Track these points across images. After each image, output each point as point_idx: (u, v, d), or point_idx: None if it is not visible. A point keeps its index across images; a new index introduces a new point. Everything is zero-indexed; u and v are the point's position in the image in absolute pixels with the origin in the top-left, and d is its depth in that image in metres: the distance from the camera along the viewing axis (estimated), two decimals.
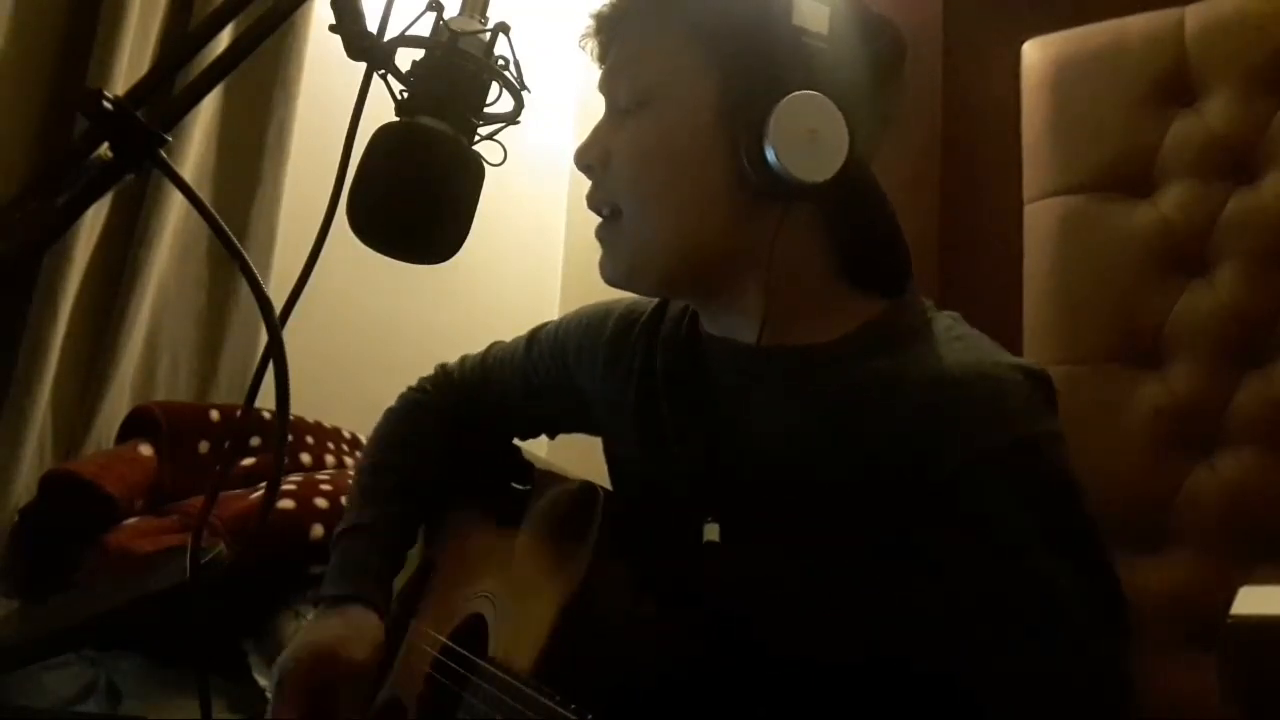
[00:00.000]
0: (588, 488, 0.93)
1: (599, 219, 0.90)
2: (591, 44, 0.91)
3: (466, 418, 1.13)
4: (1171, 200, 1.41)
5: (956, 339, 0.81)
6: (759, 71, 0.79)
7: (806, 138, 0.77)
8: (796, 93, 0.77)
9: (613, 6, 0.90)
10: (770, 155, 0.77)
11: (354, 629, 0.96)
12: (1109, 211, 1.45)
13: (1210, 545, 1.31)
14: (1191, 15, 1.44)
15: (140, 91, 0.60)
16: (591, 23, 0.90)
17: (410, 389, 1.16)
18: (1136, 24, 1.48)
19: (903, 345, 0.81)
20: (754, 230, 0.82)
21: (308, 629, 0.98)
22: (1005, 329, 1.44)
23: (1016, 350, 1.44)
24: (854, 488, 0.78)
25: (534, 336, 1.10)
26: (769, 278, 0.82)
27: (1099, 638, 0.73)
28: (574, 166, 0.90)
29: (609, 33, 0.89)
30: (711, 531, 0.83)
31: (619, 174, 0.86)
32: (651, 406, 0.93)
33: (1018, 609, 0.73)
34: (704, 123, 0.82)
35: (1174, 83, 1.43)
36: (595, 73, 0.92)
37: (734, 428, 0.87)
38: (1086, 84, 1.50)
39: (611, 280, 0.89)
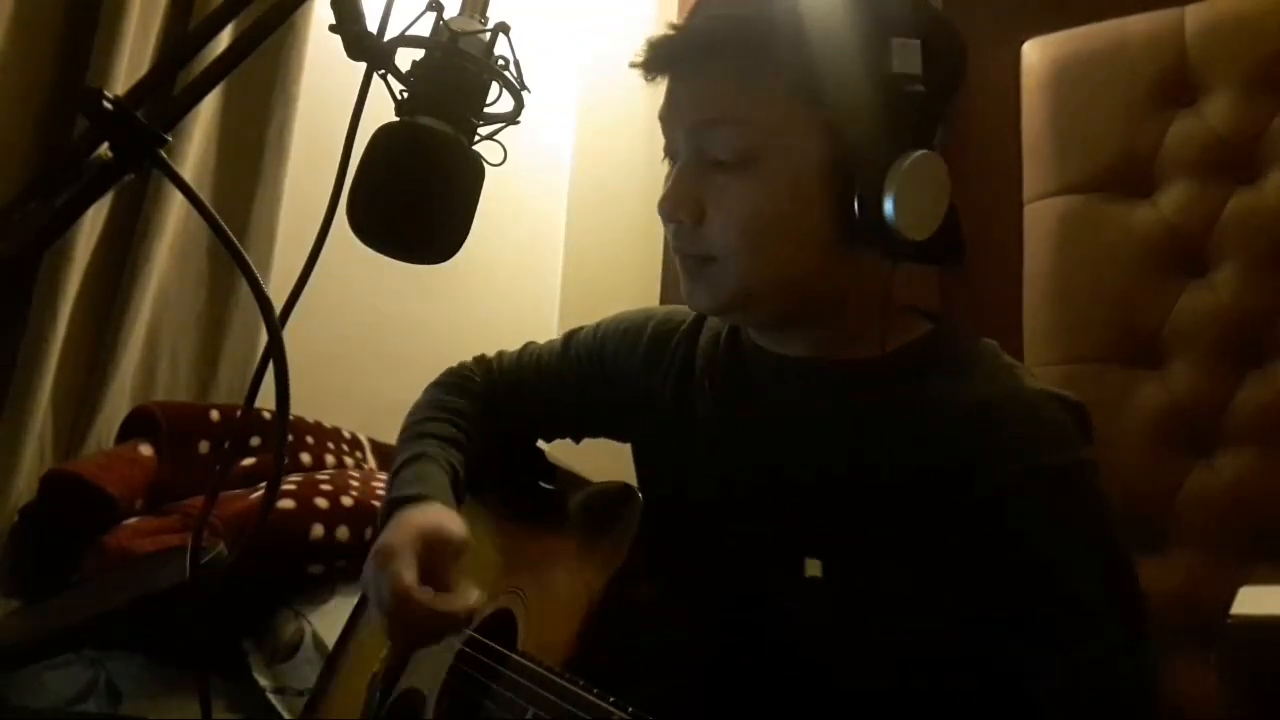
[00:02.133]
0: (625, 489, 0.94)
1: (681, 255, 0.88)
2: (657, 67, 0.87)
3: (499, 412, 1.13)
4: (1171, 200, 1.41)
5: (1000, 366, 0.84)
6: (868, 129, 0.80)
7: (918, 196, 0.78)
8: (913, 154, 0.78)
9: (688, 38, 0.86)
10: (889, 212, 0.78)
11: (446, 513, 0.94)
12: (1109, 211, 1.45)
13: (1210, 545, 1.31)
14: (1191, 15, 1.44)
15: (140, 91, 0.60)
16: (663, 44, 0.86)
17: (453, 368, 1.16)
18: (1136, 24, 1.48)
19: (953, 367, 0.83)
20: (850, 273, 0.84)
21: (396, 518, 0.93)
22: (1005, 329, 1.44)
23: (1017, 350, 1.44)
24: (899, 496, 0.80)
25: (570, 339, 1.10)
26: (857, 316, 0.84)
27: (1130, 655, 0.75)
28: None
29: (685, 63, 0.86)
30: (814, 567, 0.83)
31: (720, 231, 0.84)
32: (688, 411, 0.94)
33: (1053, 623, 0.75)
34: (813, 180, 0.82)
35: (1174, 83, 1.43)
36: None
37: (776, 435, 0.88)
38: (1086, 84, 1.50)
39: (703, 309, 0.91)
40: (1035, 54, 1.56)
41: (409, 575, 0.86)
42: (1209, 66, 1.41)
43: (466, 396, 1.12)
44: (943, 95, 0.83)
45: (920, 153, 0.78)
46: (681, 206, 0.85)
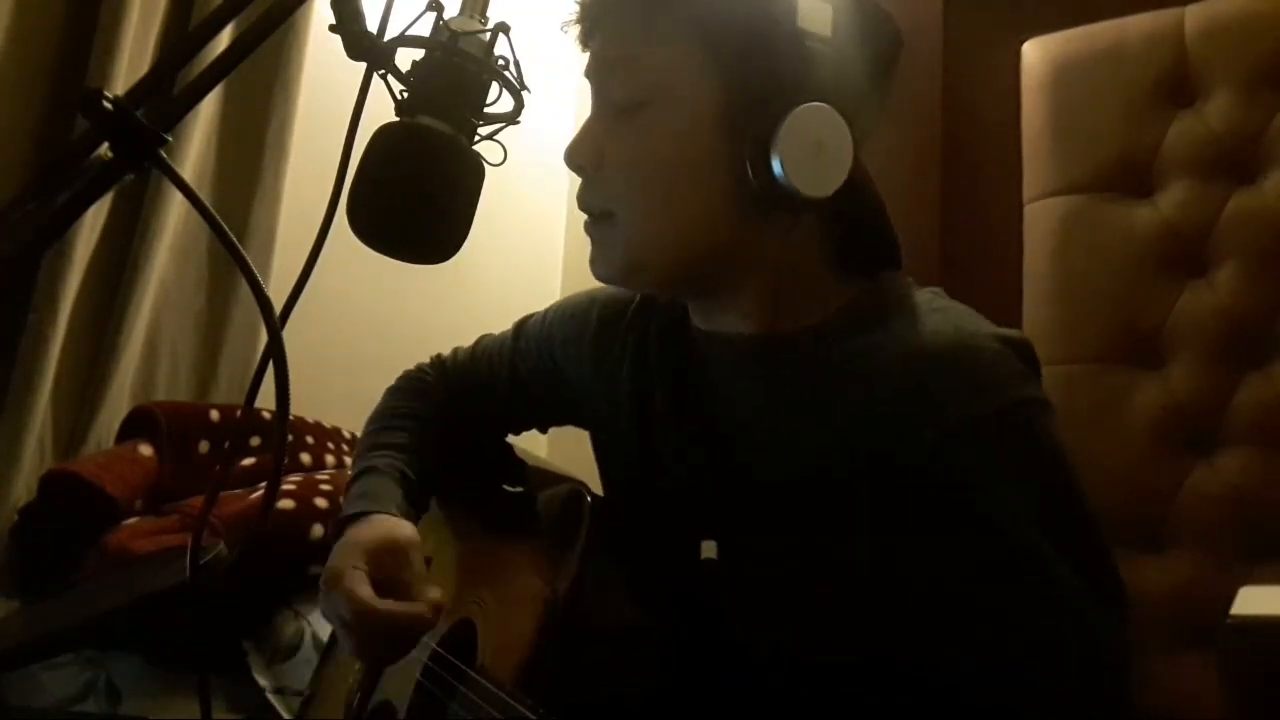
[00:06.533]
0: (575, 494, 0.92)
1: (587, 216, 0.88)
2: (576, 29, 0.88)
3: (458, 410, 1.11)
4: (1171, 200, 1.41)
5: (935, 311, 0.81)
6: (764, 78, 0.78)
7: (813, 151, 0.76)
8: (804, 106, 0.76)
9: None
10: (777, 169, 0.76)
11: (391, 523, 0.93)
12: (1109, 211, 1.45)
13: (1210, 545, 1.31)
14: (1191, 15, 1.44)
15: (140, 91, 0.60)
16: (578, 8, 0.87)
17: (409, 371, 1.16)
18: (1136, 24, 1.48)
19: (881, 321, 0.80)
20: (752, 236, 0.81)
21: (342, 540, 0.92)
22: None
23: None
24: (842, 465, 0.77)
25: (520, 328, 1.09)
26: (773, 284, 0.81)
27: (1091, 606, 0.72)
28: None
29: (596, 19, 0.87)
30: (709, 549, 0.82)
31: (614, 178, 0.84)
32: (646, 399, 0.92)
33: (1008, 581, 0.72)
34: (706, 128, 0.80)
35: (1174, 83, 1.43)
36: (577, 43, 0.90)
37: (728, 418, 0.87)
38: (1086, 84, 1.50)
39: (604, 278, 0.88)
40: (1035, 54, 1.56)
41: (364, 590, 0.85)
42: (1209, 66, 1.41)
43: (421, 399, 1.11)
44: (858, 71, 0.80)
45: (809, 104, 0.76)
46: (580, 151, 0.85)
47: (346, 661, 1.08)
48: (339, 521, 0.96)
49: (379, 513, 0.95)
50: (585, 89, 0.88)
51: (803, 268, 0.84)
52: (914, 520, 0.74)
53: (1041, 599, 0.72)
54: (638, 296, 0.98)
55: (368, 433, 1.10)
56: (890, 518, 0.75)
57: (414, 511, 1.00)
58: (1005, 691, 0.71)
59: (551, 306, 1.07)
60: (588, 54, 0.88)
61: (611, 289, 0.99)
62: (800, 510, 0.80)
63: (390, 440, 1.06)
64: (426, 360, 1.17)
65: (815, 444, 0.79)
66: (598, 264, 0.87)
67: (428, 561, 1.07)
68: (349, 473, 1.06)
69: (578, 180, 0.88)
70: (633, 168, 0.83)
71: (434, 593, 0.87)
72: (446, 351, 1.17)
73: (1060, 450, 0.75)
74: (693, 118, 0.81)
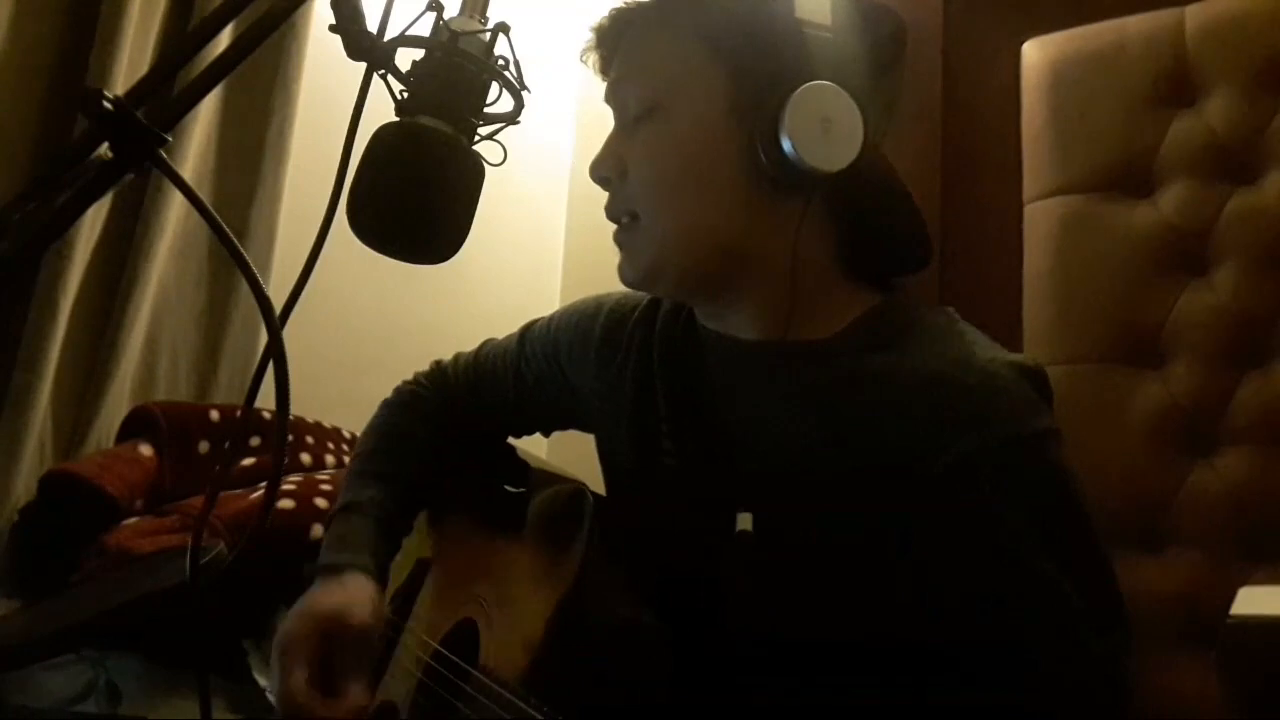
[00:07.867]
0: (577, 493, 0.93)
1: (615, 225, 0.90)
2: (593, 58, 0.91)
3: (461, 415, 1.12)
4: (1171, 200, 1.41)
5: (952, 335, 0.82)
6: (767, 66, 0.80)
7: (821, 127, 0.77)
8: (809, 84, 0.77)
9: (612, 18, 0.90)
10: (787, 147, 0.77)
11: (354, 595, 0.95)
12: (1109, 211, 1.45)
13: (1210, 545, 1.31)
14: (1191, 15, 1.44)
15: (140, 91, 0.60)
16: (592, 36, 0.90)
17: (405, 383, 1.16)
18: (1136, 24, 1.48)
19: (899, 340, 0.82)
20: (771, 226, 0.83)
21: (306, 598, 0.96)
22: (1005, 329, 1.45)
23: (1016, 350, 1.44)
24: (850, 481, 0.78)
25: (526, 333, 1.10)
26: (793, 273, 0.82)
27: (1095, 634, 0.73)
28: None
29: (611, 45, 0.90)
30: (745, 521, 0.82)
31: (636, 182, 0.86)
32: (648, 402, 0.93)
33: (1015, 606, 0.73)
34: (716, 122, 0.82)
35: (1174, 83, 1.43)
36: (597, 73, 0.92)
37: (732, 423, 0.87)
38: (1086, 84, 1.50)
39: (631, 283, 0.90)
40: (1035, 54, 1.56)
41: (298, 676, 0.89)
42: (1209, 66, 1.41)
43: (415, 414, 1.12)
44: (861, 57, 0.82)
45: (813, 83, 0.77)
46: (604, 163, 0.88)
47: None
48: (311, 569, 1.00)
49: (351, 569, 0.97)
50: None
51: (817, 268, 0.85)
52: (922, 534, 0.75)
53: (1047, 622, 0.73)
54: (644, 300, 0.98)
55: (356, 455, 1.11)
56: (897, 528, 0.76)
57: (390, 552, 1.04)
58: (1007, 708, 0.72)
59: (558, 311, 1.07)
60: (608, 80, 0.90)
61: (619, 294, 1.01)
62: (802, 511, 0.80)
63: (377, 468, 1.07)
64: (426, 366, 1.17)
65: (825, 451, 0.80)
66: (624, 269, 0.89)
67: (428, 563, 1.08)
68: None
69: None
70: (651, 166, 0.85)
71: (359, 697, 0.90)
72: (447, 354, 1.17)
73: (1070, 480, 0.77)
74: (704, 110, 0.83)
